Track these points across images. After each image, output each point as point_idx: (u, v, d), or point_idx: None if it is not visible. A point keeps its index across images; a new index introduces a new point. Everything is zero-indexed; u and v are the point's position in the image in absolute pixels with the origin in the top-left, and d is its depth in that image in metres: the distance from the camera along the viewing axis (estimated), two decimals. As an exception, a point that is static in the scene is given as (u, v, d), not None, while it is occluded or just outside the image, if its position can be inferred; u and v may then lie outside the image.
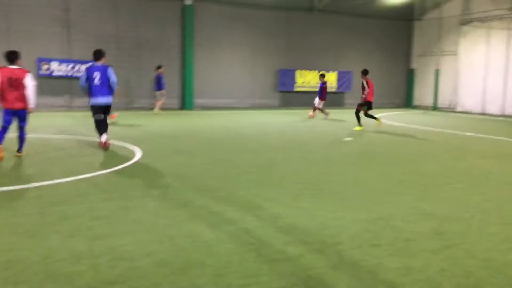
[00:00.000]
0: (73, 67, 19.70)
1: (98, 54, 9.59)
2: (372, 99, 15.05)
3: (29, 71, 8.52)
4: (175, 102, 22.36)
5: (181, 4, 21.80)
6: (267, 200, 5.94)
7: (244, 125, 15.54)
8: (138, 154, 9.08)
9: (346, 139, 12.55)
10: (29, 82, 8.28)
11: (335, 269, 3.86)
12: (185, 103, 22.31)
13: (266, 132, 13.65)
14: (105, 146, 9.41)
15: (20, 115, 8.41)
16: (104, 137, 9.44)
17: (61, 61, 19.53)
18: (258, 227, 4.87)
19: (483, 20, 23.97)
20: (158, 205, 5.57)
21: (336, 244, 4.45)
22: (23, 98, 8.26)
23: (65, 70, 19.61)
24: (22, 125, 8.51)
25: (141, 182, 6.77)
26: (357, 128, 14.85)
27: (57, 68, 19.48)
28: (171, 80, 22.01)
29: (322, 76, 18.93)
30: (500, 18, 23.18)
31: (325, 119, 18.63)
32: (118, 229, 4.68)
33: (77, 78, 19.69)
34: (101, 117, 9.49)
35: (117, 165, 7.91)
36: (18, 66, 8.38)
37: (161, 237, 4.48)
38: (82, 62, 19.60)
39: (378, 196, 6.35)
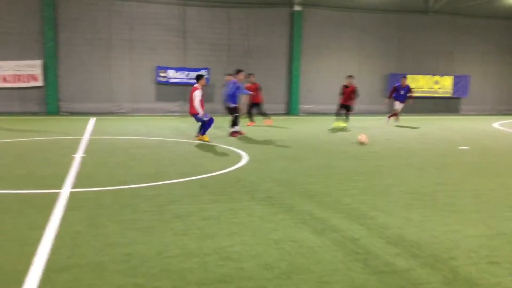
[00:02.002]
0: (187, 75, 20.85)
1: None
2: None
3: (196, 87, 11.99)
4: (281, 107, 22.66)
5: (290, 10, 22.07)
6: (374, 209, 5.76)
7: (350, 131, 15.25)
8: (245, 158, 9.34)
9: (462, 147, 11.74)
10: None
11: (449, 285, 3.63)
12: (290, 109, 22.51)
13: (373, 139, 13.26)
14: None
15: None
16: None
17: (177, 69, 20.78)
18: (364, 236, 4.75)
19: None
20: (264, 209, 5.67)
21: (450, 259, 4.18)
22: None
23: (180, 78, 20.84)
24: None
25: (247, 186, 6.95)
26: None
27: (173, 76, 20.76)
28: (278, 85, 22.37)
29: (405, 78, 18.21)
30: None
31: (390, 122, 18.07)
32: (226, 230, 4.85)
33: (192, 84, 20.85)
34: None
35: (224, 168, 8.21)
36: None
37: (267, 241, 4.55)
38: (196, 70, 20.69)
39: (497, 210, 5.85)
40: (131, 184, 6.89)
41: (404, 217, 5.44)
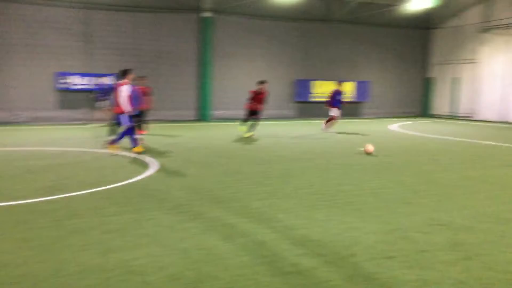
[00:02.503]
0: (92, 81, 19.98)
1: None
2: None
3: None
4: (192, 113, 22.51)
5: (199, 16, 22.02)
6: (282, 212, 5.89)
7: (259, 136, 15.53)
8: (153, 167, 9.13)
9: (361, 149, 12.42)
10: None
11: (348, 281, 3.79)
12: (202, 115, 22.44)
13: (281, 143, 13.61)
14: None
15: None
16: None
17: (82, 75, 19.84)
18: (271, 239, 4.83)
19: (503, 27, 23.63)
20: (172, 218, 5.57)
21: (351, 256, 4.38)
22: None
23: (84, 84, 19.90)
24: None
25: (154, 195, 6.79)
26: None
27: (78, 82, 19.78)
28: (188, 91, 22.22)
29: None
30: (519, 24, 22.83)
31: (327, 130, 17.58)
32: (130, 243, 4.69)
33: (96, 91, 20.04)
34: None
35: (131, 178, 7.96)
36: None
37: (174, 251, 4.47)
38: (102, 75, 19.91)
39: (393, 206, 6.25)
40: (27, 199, 6.43)
41: (309, 218, 5.63)
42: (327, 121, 17.51)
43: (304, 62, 24.89)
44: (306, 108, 25.20)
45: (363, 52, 26.39)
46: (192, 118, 22.46)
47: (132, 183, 7.62)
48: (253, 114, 15.53)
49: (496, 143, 13.99)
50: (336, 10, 24.81)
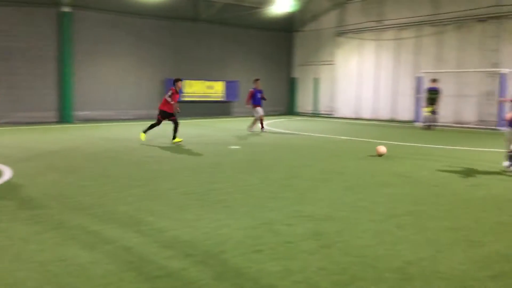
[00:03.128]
0: None
1: None
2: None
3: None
4: (52, 115, 20.91)
5: (57, 10, 20.52)
6: (151, 214, 5.74)
7: (128, 137, 15.01)
8: (6, 174, 8.29)
9: (233, 147, 12.69)
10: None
11: (218, 279, 3.82)
12: (63, 116, 20.97)
13: (152, 144, 13.31)
14: None
15: None
16: None
17: None
18: (139, 243, 4.68)
19: (356, 31, 25.91)
20: (28, 229, 5.10)
21: (220, 253, 4.42)
22: None
23: None
24: None
25: (8, 205, 6.16)
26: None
27: None
28: (47, 91, 20.60)
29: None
30: (370, 30, 25.23)
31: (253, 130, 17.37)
32: (-23, 259, 4.19)
33: None
34: None
35: (-19, 187, 7.14)
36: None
37: (30, 264, 4.09)
38: None
39: (261, 202, 6.47)
40: None
41: (179, 219, 5.56)
42: (254, 122, 17.33)
43: (174, 61, 24.63)
44: (180, 107, 24.97)
45: (232, 53, 26.97)
46: (53, 120, 20.88)
47: (-19, 193, 6.83)
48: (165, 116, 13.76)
49: (352, 138, 15.28)
50: (204, 10, 24.98)
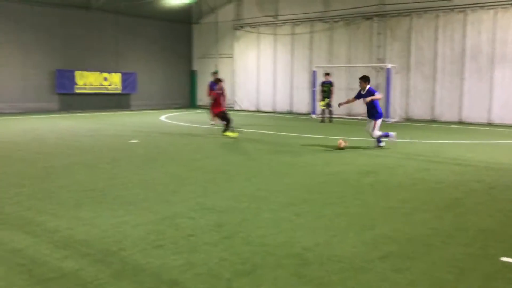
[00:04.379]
0: None
1: None
2: None
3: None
4: None
5: None
6: (42, 214, 5.39)
7: (15, 132, 13.91)
8: None
9: (132, 141, 12.32)
10: None
11: (117, 277, 3.71)
12: None
13: (42, 139, 12.46)
14: None
15: None
16: None
17: None
18: (30, 245, 4.38)
19: (253, 25, 26.37)
20: None
21: (119, 250, 4.29)
22: None
23: None
24: None
25: None
26: None
27: None
28: None
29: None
30: (267, 24, 25.83)
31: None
32: None
33: None
34: None
35: None
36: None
37: None
38: None
39: (163, 196, 6.37)
40: None
41: (74, 217, 5.30)
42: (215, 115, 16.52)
43: (65, 51, 23.23)
44: (72, 100, 23.62)
45: (128, 43, 26.07)
46: None
47: None
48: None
49: (252, 130, 15.58)
50: (97, -2, 23.82)
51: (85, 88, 23.78)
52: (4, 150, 10.34)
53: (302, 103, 24.72)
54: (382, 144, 11.50)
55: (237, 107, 27.60)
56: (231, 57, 27.80)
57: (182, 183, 7.26)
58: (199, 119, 20.21)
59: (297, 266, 3.98)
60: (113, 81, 25.07)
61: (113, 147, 11.08)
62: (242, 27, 26.90)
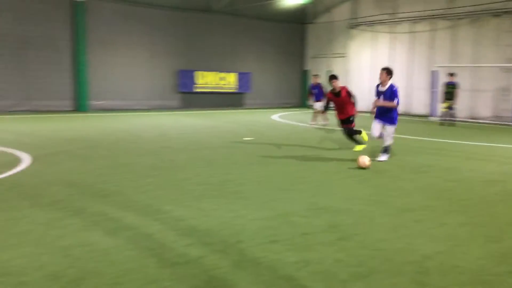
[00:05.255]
0: None
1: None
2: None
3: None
4: (68, 104, 21.14)
5: (71, 0, 20.64)
6: (168, 203, 5.82)
7: (143, 127, 15.13)
8: (26, 161, 8.43)
9: (246, 138, 12.74)
10: None
11: (236, 267, 3.89)
12: (79, 105, 21.17)
13: (167, 134, 13.42)
14: None
15: None
16: None
17: None
18: (158, 231, 4.76)
19: (369, 24, 25.73)
20: (49, 215, 5.21)
21: (237, 243, 4.49)
22: None
23: None
24: None
25: (28, 191, 6.28)
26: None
27: None
28: (62, 80, 20.82)
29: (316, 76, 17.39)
30: (384, 22, 25.05)
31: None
32: (3, 243, 4.30)
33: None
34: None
35: (1, 174, 7.27)
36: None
37: (53, 249, 4.19)
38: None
39: (276, 193, 6.51)
40: None
41: (196, 208, 5.64)
42: (315, 115, 17.06)
43: (187, 52, 24.72)
44: (191, 98, 25.09)
45: (244, 44, 26.95)
46: (69, 109, 21.10)
47: (2, 179, 6.97)
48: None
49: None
50: (216, 1, 24.95)
51: (203, 87, 25.08)
52: (135, 143, 11.31)
53: (420, 105, 23.59)
54: (382, 158, 9.35)
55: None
56: (344, 56, 27.42)
57: (295, 181, 7.35)
58: (309, 119, 20.22)
59: (416, 274, 3.84)
60: (229, 81, 26.11)
61: (228, 144, 11.56)
62: (357, 25, 26.40)
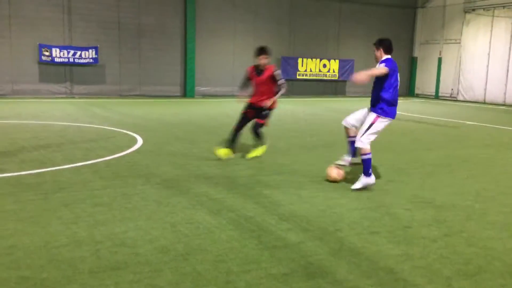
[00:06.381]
0: (74, 54, 19.60)
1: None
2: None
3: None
4: (177, 89, 22.33)
5: (183, -12, 21.65)
6: (268, 188, 5.96)
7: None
8: (139, 142, 9.09)
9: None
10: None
11: (335, 255, 3.89)
12: (186, 91, 22.27)
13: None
14: None
15: None
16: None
17: (62, 48, 19.42)
18: (258, 214, 4.90)
19: (487, 8, 23.77)
20: (159, 193, 5.59)
21: (336, 231, 4.47)
22: None
23: (65, 57, 19.51)
24: None
25: (141, 170, 6.79)
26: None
27: (58, 55, 19.36)
28: (173, 67, 21.99)
29: None
30: (503, 6, 22.99)
31: None
32: (119, 216, 4.71)
33: (78, 64, 19.68)
34: None
35: (117, 153, 7.93)
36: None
37: (163, 224, 4.51)
38: (83, 48, 19.58)
39: (378, 184, 6.34)
40: (12, 172, 6.37)
41: (295, 194, 5.70)
42: None
43: (290, 39, 24.74)
44: (293, 85, 25.16)
45: (348, 30, 26.29)
46: (177, 94, 22.29)
47: (119, 157, 7.60)
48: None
49: (477, 123, 14.22)
50: (323, -13, 24.59)
51: (305, 75, 25.00)
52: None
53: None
54: (356, 185, 6.05)
55: (460, 98, 25.46)
56: (458, 42, 25.66)
57: (398, 173, 7.11)
58: (417, 109, 19.33)
59: (531, 278, 3.55)
60: (331, 68, 25.74)
61: (329, 132, 11.45)
62: (474, 10, 24.51)
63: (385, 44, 6.42)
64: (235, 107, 16.76)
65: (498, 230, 4.62)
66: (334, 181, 6.35)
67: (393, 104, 6.14)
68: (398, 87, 6.29)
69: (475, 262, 3.81)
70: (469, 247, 4.14)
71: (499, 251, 4.05)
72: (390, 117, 6.13)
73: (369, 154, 6.09)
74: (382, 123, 6.12)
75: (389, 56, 6.34)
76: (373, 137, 6.17)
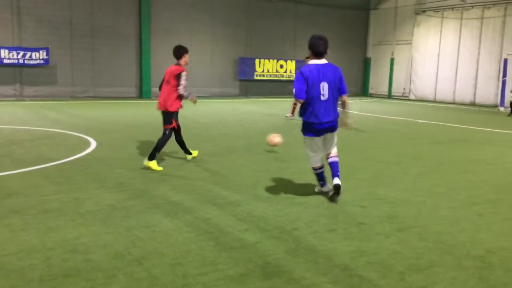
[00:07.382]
0: (23, 55, 18.89)
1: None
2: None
3: None
4: (133, 90, 21.92)
5: (137, -10, 21.28)
6: (226, 189, 5.93)
7: (203, 114, 15.42)
8: (92, 145, 8.86)
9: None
10: None
11: (291, 254, 3.91)
12: (142, 92, 21.90)
13: (226, 121, 13.60)
14: None
15: None
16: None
17: (10, 49, 18.66)
18: (216, 215, 4.87)
19: (437, 10, 24.65)
20: (113, 196, 5.47)
21: (293, 230, 4.51)
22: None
23: (14, 58, 18.76)
24: None
25: (95, 173, 6.61)
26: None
27: (7, 56, 18.60)
28: (128, 67, 21.57)
29: None
30: (452, 8, 23.90)
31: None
32: (71, 222, 4.57)
33: (29, 66, 19.00)
34: None
35: (69, 156, 7.70)
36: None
37: (117, 228, 4.41)
38: (33, 49, 18.91)
39: (334, 182, 6.44)
40: (-43, 179, 6.07)
41: (253, 194, 5.71)
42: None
43: (247, 40, 24.79)
44: (250, 86, 25.22)
45: (305, 32, 26.59)
46: (133, 95, 21.88)
47: (71, 161, 7.38)
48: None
49: (428, 121, 14.71)
50: (279, -12, 24.80)
51: (263, 75, 25.11)
52: (196, 129, 11.56)
53: (488, 94, 22.41)
54: (324, 188, 5.83)
55: (412, 97, 26.27)
56: (409, 43, 26.46)
57: (354, 171, 7.24)
58: (371, 108, 19.80)
59: (478, 269, 3.69)
60: (288, 68, 25.98)
61: (287, 131, 11.53)
62: (424, 11, 25.35)
63: (309, 44, 5.78)
64: (192, 107, 16.62)
65: (448, 224, 4.78)
66: (275, 146, 7.35)
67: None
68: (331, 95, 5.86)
69: (427, 257, 3.93)
70: (421, 242, 4.27)
71: (449, 245, 4.19)
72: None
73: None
74: None
75: (313, 62, 5.79)
76: None
